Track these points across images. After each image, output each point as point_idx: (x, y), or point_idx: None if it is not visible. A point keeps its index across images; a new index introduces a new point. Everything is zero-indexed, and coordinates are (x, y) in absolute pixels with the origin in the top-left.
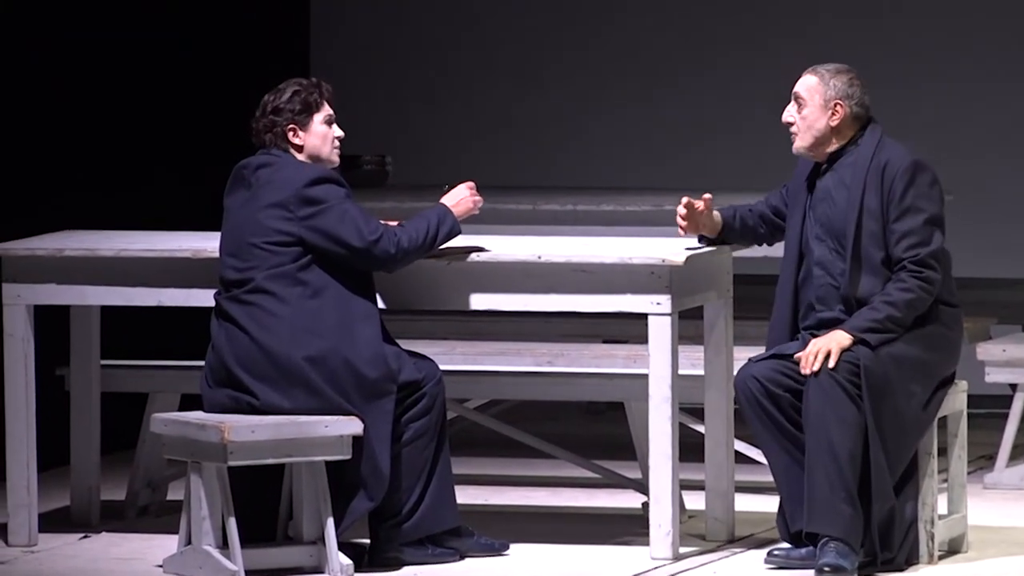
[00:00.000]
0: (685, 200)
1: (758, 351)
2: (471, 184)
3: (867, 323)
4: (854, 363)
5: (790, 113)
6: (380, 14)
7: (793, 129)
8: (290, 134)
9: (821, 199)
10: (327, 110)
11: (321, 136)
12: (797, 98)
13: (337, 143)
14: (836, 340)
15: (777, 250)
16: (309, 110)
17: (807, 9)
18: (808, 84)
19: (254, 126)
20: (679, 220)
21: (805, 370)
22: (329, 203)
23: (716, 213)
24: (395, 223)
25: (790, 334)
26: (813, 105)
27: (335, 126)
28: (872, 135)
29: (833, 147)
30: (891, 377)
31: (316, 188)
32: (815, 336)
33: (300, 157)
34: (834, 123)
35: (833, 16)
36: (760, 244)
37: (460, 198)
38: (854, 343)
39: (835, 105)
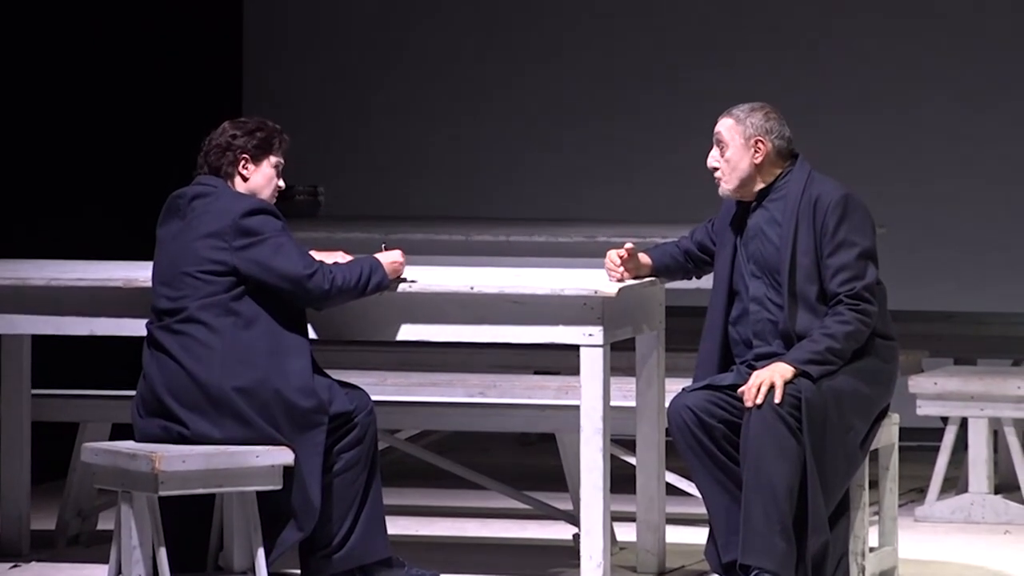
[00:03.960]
0: (614, 253)
1: (689, 383)
2: (402, 252)
3: (808, 355)
4: (795, 396)
5: (714, 158)
6: (313, 45)
7: (718, 174)
8: (242, 162)
9: (753, 236)
10: (280, 158)
11: (267, 178)
12: (718, 142)
13: (276, 192)
14: (779, 372)
15: (709, 283)
16: (268, 148)
17: (737, 42)
18: (726, 126)
19: (206, 145)
20: (611, 272)
21: (749, 403)
22: (265, 235)
23: (643, 255)
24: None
25: (719, 369)
26: (735, 146)
27: (280, 178)
28: (801, 170)
29: (760, 185)
30: (831, 411)
31: (253, 219)
32: (753, 369)
33: (240, 188)
34: (757, 160)
35: (769, 49)
36: (688, 278)
37: (392, 260)
38: (796, 375)
39: (756, 142)
